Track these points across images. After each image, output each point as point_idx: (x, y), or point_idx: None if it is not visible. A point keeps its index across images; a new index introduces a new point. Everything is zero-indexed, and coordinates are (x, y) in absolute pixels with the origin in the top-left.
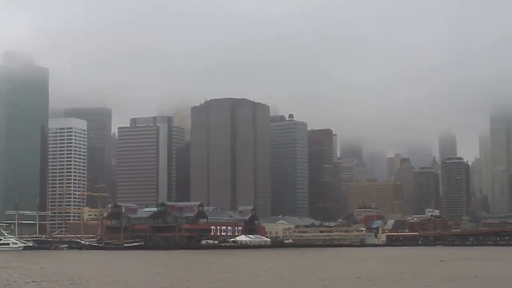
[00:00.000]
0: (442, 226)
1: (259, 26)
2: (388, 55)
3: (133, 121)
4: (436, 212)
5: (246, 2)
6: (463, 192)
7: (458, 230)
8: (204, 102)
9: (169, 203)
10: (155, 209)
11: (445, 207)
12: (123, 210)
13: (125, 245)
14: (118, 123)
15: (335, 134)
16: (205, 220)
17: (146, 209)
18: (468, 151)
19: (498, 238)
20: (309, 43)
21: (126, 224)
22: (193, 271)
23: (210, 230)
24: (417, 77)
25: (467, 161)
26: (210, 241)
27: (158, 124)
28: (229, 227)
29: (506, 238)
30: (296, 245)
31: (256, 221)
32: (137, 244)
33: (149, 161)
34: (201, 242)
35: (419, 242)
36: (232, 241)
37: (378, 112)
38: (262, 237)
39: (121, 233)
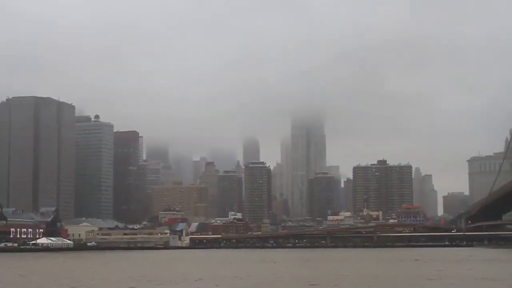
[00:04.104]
0: (244, 228)
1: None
2: (183, 54)
3: None
4: (239, 215)
5: None
6: (265, 196)
7: (259, 232)
8: (6, 99)
9: None
10: None
11: (247, 210)
12: None
13: None
14: None
15: (142, 136)
16: (4, 222)
17: None
18: (271, 156)
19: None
20: (110, 42)
21: None
22: None
23: (9, 233)
24: (212, 79)
25: (269, 166)
26: (9, 244)
27: None
28: (30, 229)
29: (304, 240)
30: (99, 247)
31: (58, 223)
32: None
33: None
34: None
35: (222, 244)
36: (33, 244)
37: (183, 114)
38: (64, 239)
39: None
